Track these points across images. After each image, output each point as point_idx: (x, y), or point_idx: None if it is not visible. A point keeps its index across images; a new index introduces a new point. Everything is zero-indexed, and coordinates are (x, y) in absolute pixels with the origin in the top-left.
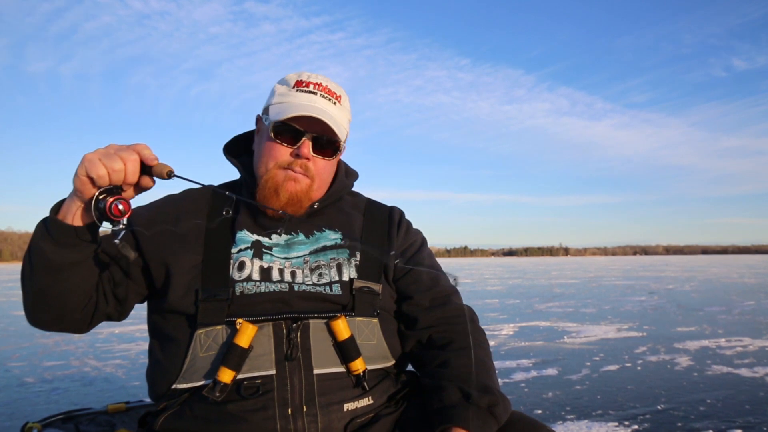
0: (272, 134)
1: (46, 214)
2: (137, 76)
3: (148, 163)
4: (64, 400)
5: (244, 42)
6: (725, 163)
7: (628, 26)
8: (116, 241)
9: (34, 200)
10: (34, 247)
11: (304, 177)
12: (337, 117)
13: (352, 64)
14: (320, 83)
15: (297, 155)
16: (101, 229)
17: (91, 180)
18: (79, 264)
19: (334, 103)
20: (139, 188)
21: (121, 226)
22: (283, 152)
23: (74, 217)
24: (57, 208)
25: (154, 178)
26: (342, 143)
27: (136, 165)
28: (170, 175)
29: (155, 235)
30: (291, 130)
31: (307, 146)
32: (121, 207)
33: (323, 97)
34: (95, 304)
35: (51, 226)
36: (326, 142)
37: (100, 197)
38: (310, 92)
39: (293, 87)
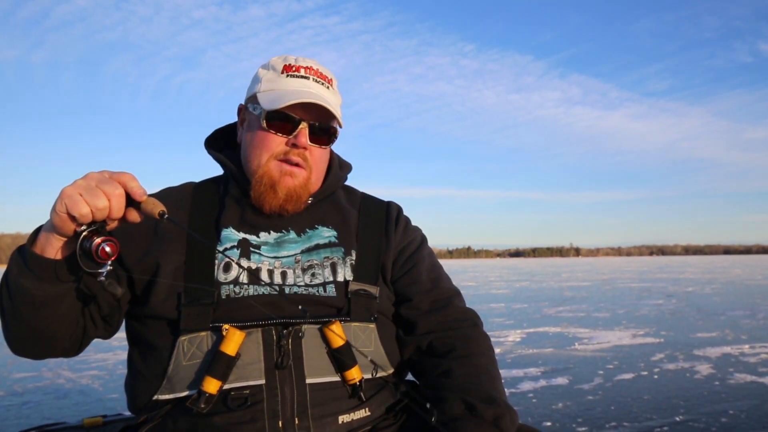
0: (265, 124)
1: (19, 208)
2: (115, 64)
3: (137, 199)
4: (36, 414)
5: (231, 27)
6: (750, 156)
7: (646, 9)
8: (102, 279)
9: (5, 196)
10: (13, 283)
11: (301, 170)
12: (331, 101)
13: (348, 50)
14: (310, 67)
15: (294, 145)
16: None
17: (72, 217)
18: (64, 296)
19: (327, 87)
20: (124, 221)
21: (107, 267)
22: (277, 142)
23: (54, 251)
24: (33, 238)
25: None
26: (338, 129)
27: (121, 201)
28: (162, 216)
29: (136, 240)
30: (286, 118)
31: (304, 134)
32: (108, 249)
33: (316, 81)
34: (83, 330)
35: (30, 261)
36: (323, 129)
37: (85, 235)
38: (302, 77)
39: (282, 72)
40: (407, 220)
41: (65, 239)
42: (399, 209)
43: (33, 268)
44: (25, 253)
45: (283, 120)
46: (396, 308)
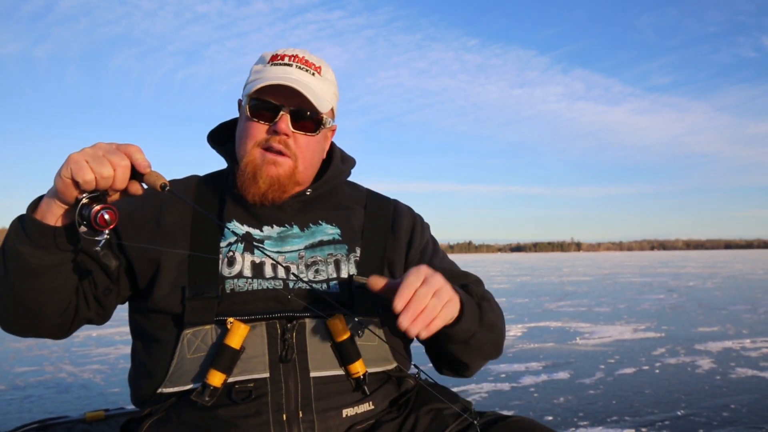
0: (248, 113)
1: (23, 210)
2: (119, 58)
3: (141, 171)
4: (38, 408)
5: (235, 22)
6: (752, 151)
7: (649, 3)
8: (97, 249)
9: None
10: (9, 248)
11: (285, 158)
12: (315, 87)
13: (351, 45)
14: (296, 55)
15: (275, 131)
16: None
17: (76, 183)
18: (58, 267)
19: (313, 74)
20: (126, 194)
21: (104, 236)
22: (260, 130)
23: (54, 218)
24: (35, 205)
25: (144, 185)
26: (325, 116)
27: (126, 172)
28: (164, 188)
29: (138, 233)
30: (267, 105)
31: (285, 121)
32: (107, 217)
33: (299, 68)
34: (75, 309)
35: (28, 226)
36: (306, 116)
37: (85, 202)
38: (285, 65)
39: (269, 62)
40: (422, 220)
41: (66, 207)
42: (408, 207)
43: (31, 234)
44: (24, 219)
45: (264, 107)
46: None
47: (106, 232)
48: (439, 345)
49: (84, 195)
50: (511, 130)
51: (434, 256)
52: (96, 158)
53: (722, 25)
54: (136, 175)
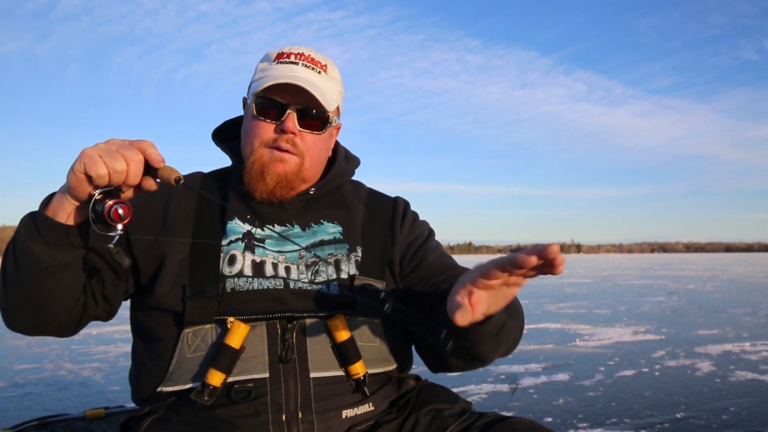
0: (255, 111)
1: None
2: (120, 57)
3: (154, 165)
4: (38, 406)
5: (237, 21)
6: (753, 154)
7: (652, 5)
8: (110, 245)
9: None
10: (20, 246)
11: (293, 156)
12: (322, 86)
13: (353, 45)
14: (302, 53)
15: (282, 130)
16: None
17: (89, 178)
18: (69, 265)
19: (319, 72)
20: (139, 189)
21: (118, 231)
22: (267, 129)
23: (66, 215)
24: (46, 202)
25: (158, 180)
26: (331, 115)
27: (140, 166)
28: (178, 181)
29: (146, 228)
30: (274, 104)
31: (291, 119)
32: (121, 212)
33: (305, 66)
34: (83, 307)
35: (40, 224)
36: (313, 114)
37: (98, 198)
38: (291, 63)
39: (274, 60)
40: (415, 215)
41: (78, 203)
42: (406, 204)
43: (43, 231)
44: (36, 216)
45: (271, 106)
46: (407, 305)
47: (120, 227)
48: (464, 344)
49: (97, 190)
50: (512, 130)
51: (424, 247)
52: (109, 153)
53: (724, 28)
54: (149, 170)
